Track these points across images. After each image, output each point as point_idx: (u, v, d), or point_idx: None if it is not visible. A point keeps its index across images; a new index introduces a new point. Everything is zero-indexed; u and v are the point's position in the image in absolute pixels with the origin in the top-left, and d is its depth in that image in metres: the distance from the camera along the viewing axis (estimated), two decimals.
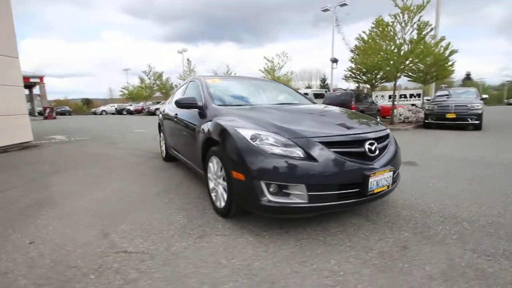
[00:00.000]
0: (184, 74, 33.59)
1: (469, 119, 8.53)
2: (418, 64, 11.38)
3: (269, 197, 1.73)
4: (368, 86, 15.87)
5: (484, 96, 10.17)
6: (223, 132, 2.04)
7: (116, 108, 36.30)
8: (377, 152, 1.90)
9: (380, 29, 10.11)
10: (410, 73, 13.88)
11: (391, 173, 1.89)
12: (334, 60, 17.35)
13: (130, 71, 45.19)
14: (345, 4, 16.72)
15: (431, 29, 9.46)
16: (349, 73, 15.32)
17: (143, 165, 4.35)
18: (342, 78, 15.92)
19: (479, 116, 8.44)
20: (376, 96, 16.30)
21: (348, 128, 1.99)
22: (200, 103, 2.73)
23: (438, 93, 11.03)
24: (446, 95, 10.33)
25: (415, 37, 9.54)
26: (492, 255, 1.58)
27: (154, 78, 33.81)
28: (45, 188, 3.15)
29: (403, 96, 16.11)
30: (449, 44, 12.64)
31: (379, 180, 1.81)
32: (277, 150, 1.74)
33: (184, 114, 3.13)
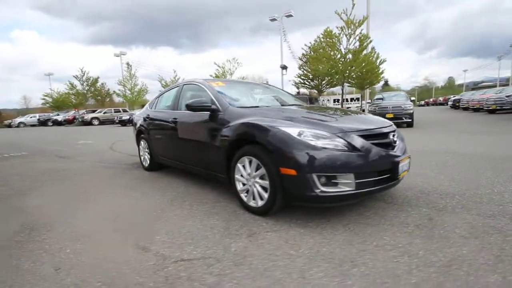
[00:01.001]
0: (124, 80, 31.06)
1: (403, 118, 10.12)
2: (358, 72, 12.98)
3: (321, 188, 1.87)
4: (316, 91, 17.32)
5: (412, 98, 12.18)
6: (264, 131, 2.09)
7: (39, 119, 31.20)
8: (397, 142, 2.23)
9: (328, 39, 11.24)
10: (350, 80, 15.69)
11: (409, 159, 2.23)
12: (284, 67, 18.40)
13: (53, 76, 39.29)
14: (291, 15, 17.97)
15: (370, 41, 10.95)
16: (299, 79, 16.48)
17: (125, 176, 3.98)
18: (292, 84, 17.02)
19: (411, 115, 10.09)
20: (323, 100, 17.89)
21: (371, 122, 2.28)
22: (213, 106, 2.70)
23: (376, 96, 12.76)
24: (381, 98, 12.04)
25: (358, 47, 10.93)
26: (492, 216, 2.03)
27: (88, 83, 30.31)
28: (21, 211, 2.66)
29: (346, 100, 18.06)
30: (379, 54, 14.77)
31: (403, 165, 2.13)
32: (325, 144, 1.89)
33: (190, 118, 3.02)
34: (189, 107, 2.72)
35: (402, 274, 1.41)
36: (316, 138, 1.92)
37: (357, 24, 10.53)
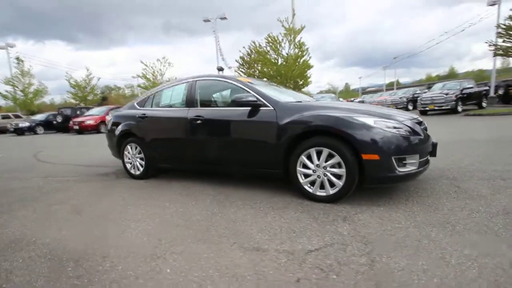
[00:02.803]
0: (13, 77, 24.79)
1: None
2: (297, 75, 14.23)
3: (399, 169, 2.16)
4: None
5: (340, 99, 14.19)
6: (344, 122, 2.22)
7: None
8: None
9: (271, 44, 11.94)
10: (288, 83, 17.01)
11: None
12: (220, 69, 18.39)
13: None
14: (225, 18, 18.11)
15: (307, 49, 12.19)
16: None
17: (119, 187, 3.38)
18: None
19: None
20: None
21: (405, 113, 2.71)
22: (260, 102, 2.65)
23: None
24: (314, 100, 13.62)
25: (297, 53, 12.01)
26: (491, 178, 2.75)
27: None
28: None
29: None
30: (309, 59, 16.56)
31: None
32: (399, 131, 2.19)
33: (226, 115, 2.84)
34: (236, 103, 2.60)
35: (475, 217, 1.82)
36: (389, 126, 2.20)
37: (296, 31, 11.59)
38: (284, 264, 1.54)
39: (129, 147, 3.73)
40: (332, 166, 2.30)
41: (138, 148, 3.62)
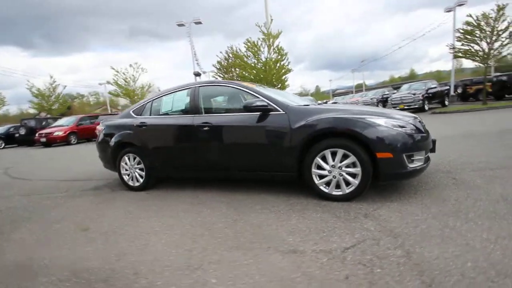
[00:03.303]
0: None
1: None
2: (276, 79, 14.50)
3: (409, 165, 2.31)
4: None
5: (319, 101, 14.69)
6: (357, 123, 2.32)
7: None
8: None
9: (250, 49, 12.08)
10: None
11: None
12: (197, 74, 18.15)
13: None
14: (199, 23, 17.95)
15: (286, 53, 12.50)
16: None
17: (122, 201, 3.22)
18: None
19: None
20: None
21: (403, 113, 2.90)
22: (270, 106, 2.69)
23: None
24: None
25: (275, 58, 12.27)
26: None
27: None
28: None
29: None
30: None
31: None
32: (406, 130, 2.34)
33: (237, 120, 2.84)
34: (248, 109, 2.62)
35: (481, 205, 2.02)
36: (398, 125, 2.35)
37: (274, 36, 11.85)
38: (327, 263, 1.59)
39: (126, 158, 3.56)
40: (347, 166, 2.40)
41: (137, 158, 3.47)
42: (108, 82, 20.36)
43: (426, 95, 13.48)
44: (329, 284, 1.42)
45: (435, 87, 14.19)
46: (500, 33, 10.84)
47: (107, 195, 3.53)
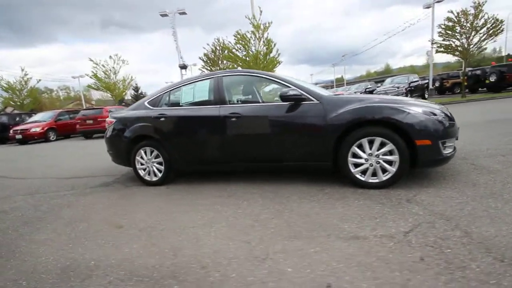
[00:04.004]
0: None
1: None
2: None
3: (444, 152, 2.41)
4: None
5: None
6: (398, 112, 2.38)
7: None
8: None
9: (240, 41, 11.90)
10: None
11: None
12: (183, 67, 17.64)
13: None
14: (184, 13, 17.34)
15: (275, 45, 12.46)
16: None
17: (147, 195, 3.09)
18: None
19: None
20: None
21: (428, 102, 3.01)
22: (304, 96, 2.68)
23: None
24: None
25: (265, 50, 12.20)
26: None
27: None
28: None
29: None
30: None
31: None
32: (441, 118, 2.43)
33: (270, 111, 2.80)
34: (283, 98, 2.59)
35: (510, 187, 2.17)
36: (433, 114, 2.43)
37: (263, 29, 11.74)
38: (396, 247, 1.63)
39: (142, 151, 3.40)
40: (384, 154, 2.46)
41: (156, 151, 3.33)
42: (86, 75, 19.17)
43: (409, 88, 14.08)
44: (408, 266, 1.45)
45: (417, 81, 14.86)
46: (478, 29, 11.53)
47: (123, 191, 3.37)
